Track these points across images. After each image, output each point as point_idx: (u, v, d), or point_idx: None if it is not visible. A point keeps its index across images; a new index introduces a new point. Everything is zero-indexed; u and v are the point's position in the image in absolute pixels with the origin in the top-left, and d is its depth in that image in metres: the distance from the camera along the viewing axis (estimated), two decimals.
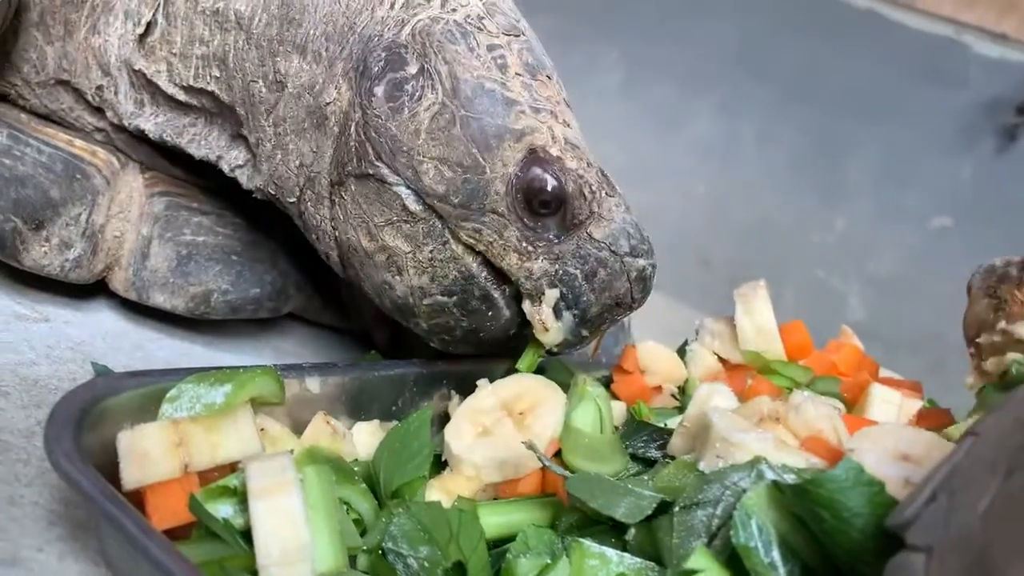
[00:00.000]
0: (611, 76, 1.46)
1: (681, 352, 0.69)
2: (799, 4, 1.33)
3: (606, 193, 0.58)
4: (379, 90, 0.57)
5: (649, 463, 0.54)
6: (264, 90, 0.62)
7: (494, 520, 0.50)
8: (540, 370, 0.62)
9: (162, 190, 0.70)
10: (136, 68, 0.67)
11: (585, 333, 0.59)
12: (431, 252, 0.57)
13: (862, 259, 1.29)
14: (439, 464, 0.55)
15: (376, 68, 0.58)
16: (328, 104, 0.59)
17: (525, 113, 0.56)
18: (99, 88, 0.68)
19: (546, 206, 0.56)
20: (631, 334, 0.86)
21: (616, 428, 0.59)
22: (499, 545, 0.49)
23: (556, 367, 0.64)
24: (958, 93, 1.24)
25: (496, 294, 0.58)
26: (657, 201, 1.36)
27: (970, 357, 0.57)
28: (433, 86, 0.56)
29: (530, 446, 0.51)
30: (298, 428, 0.54)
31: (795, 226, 1.33)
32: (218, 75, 0.65)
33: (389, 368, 0.62)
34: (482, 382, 0.57)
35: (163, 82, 0.67)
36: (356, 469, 0.53)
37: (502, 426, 0.55)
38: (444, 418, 0.60)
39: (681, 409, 0.62)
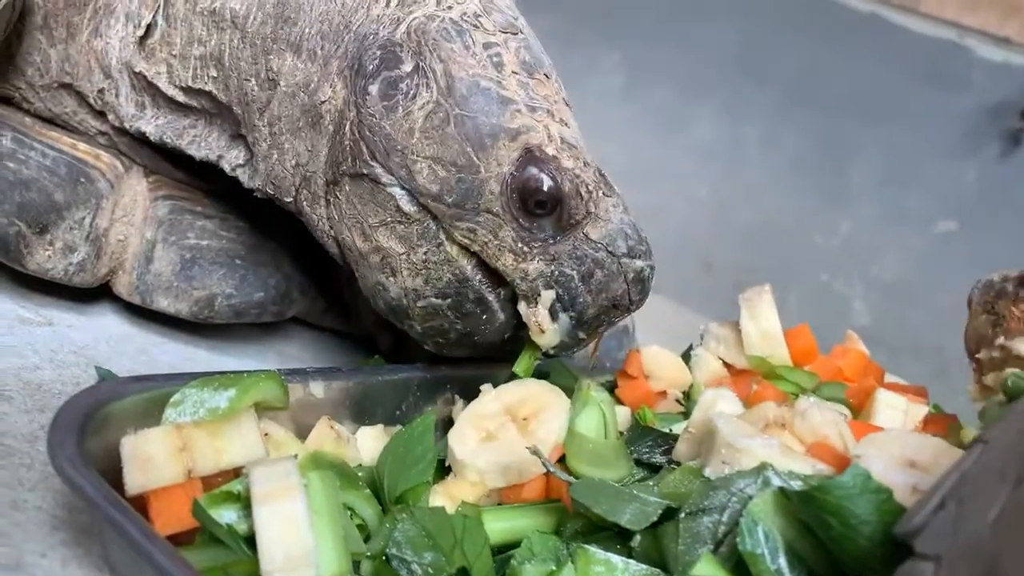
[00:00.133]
0: (612, 78, 1.46)
1: (686, 357, 0.69)
2: (801, 7, 1.33)
3: (603, 193, 0.57)
4: (373, 88, 0.57)
5: (654, 469, 0.54)
6: (256, 88, 0.62)
7: (498, 526, 0.49)
8: (543, 375, 0.62)
9: (166, 194, 0.70)
10: (137, 70, 0.67)
11: (582, 335, 0.58)
12: (425, 254, 0.57)
13: (866, 263, 1.29)
14: (443, 469, 0.55)
15: (371, 66, 0.57)
16: (323, 103, 0.59)
17: (521, 112, 0.56)
18: (101, 91, 0.68)
19: (542, 206, 0.55)
20: (635, 338, 0.85)
21: (621, 433, 0.58)
22: (503, 551, 0.49)
23: (560, 371, 0.64)
24: (961, 97, 1.24)
25: (491, 297, 0.58)
26: (660, 204, 1.36)
27: (972, 372, 0.57)
28: (428, 84, 0.56)
29: (534, 451, 0.50)
30: (302, 433, 0.54)
31: (799, 230, 1.33)
32: (215, 75, 0.65)
33: (393, 372, 0.62)
34: (486, 387, 0.57)
35: (163, 84, 0.67)
36: (360, 474, 0.52)
37: (506, 431, 0.55)
38: (448, 423, 0.60)
39: (686, 414, 0.61)
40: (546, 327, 0.57)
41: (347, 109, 0.58)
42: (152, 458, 0.44)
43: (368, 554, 0.46)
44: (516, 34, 0.59)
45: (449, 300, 0.58)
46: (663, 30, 1.41)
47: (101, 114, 0.70)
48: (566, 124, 0.58)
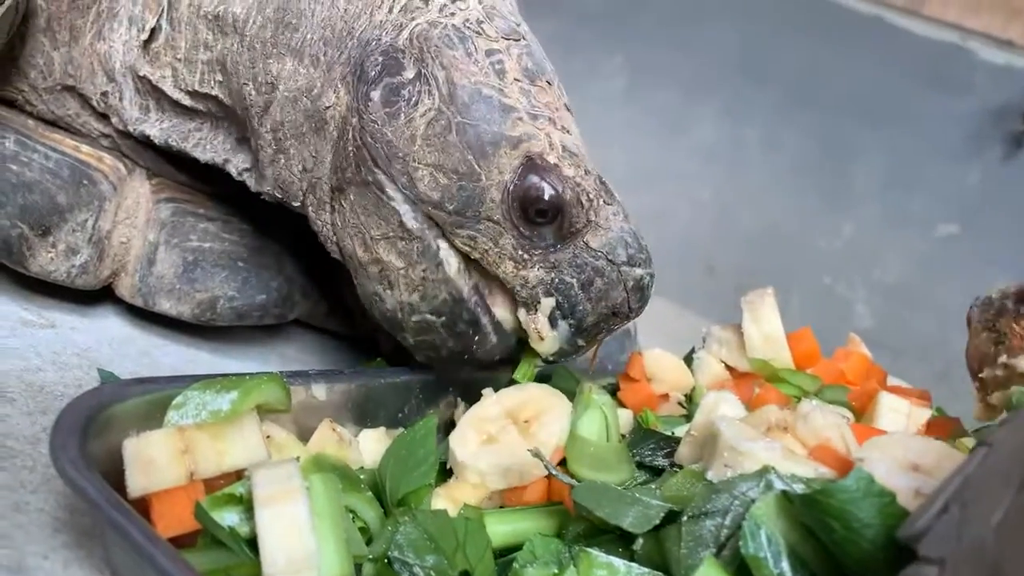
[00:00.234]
0: (614, 82, 1.46)
1: (688, 360, 0.69)
2: (803, 9, 1.33)
3: (604, 201, 0.57)
4: (375, 95, 0.57)
5: (656, 471, 0.54)
6: (253, 92, 0.62)
7: (500, 529, 0.49)
8: (545, 378, 0.62)
9: (168, 196, 0.70)
10: (141, 74, 0.67)
11: (581, 343, 0.59)
12: (424, 271, 0.57)
13: (869, 266, 1.29)
14: (445, 472, 0.55)
15: (373, 72, 0.57)
16: (327, 108, 0.59)
17: (522, 120, 0.56)
18: (104, 94, 0.69)
19: (542, 215, 0.56)
20: (637, 341, 0.85)
21: (623, 436, 0.58)
22: (505, 554, 0.49)
23: (562, 375, 0.64)
24: (964, 99, 1.24)
25: (484, 320, 0.58)
26: (662, 207, 1.36)
27: (975, 391, 0.57)
28: (430, 91, 0.56)
29: (536, 454, 0.50)
30: (304, 435, 0.54)
31: (801, 232, 1.33)
32: (221, 79, 0.65)
33: (395, 375, 0.62)
34: (487, 391, 0.57)
35: (168, 87, 0.67)
36: (362, 477, 0.52)
37: (507, 434, 0.55)
38: (450, 425, 0.59)
39: (688, 417, 0.61)
40: (545, 334, 0.57)
41: (350, 115, 0.58)
42: (154, 460, 0.44)
43: (370, 557, 0.46)
44: (518, 40, 0.59)
45: (443, 318, 0.58)
46: (665, 33, 1.41)
47: (104, 116, 0.70)
48: (567, 131, 0.58)
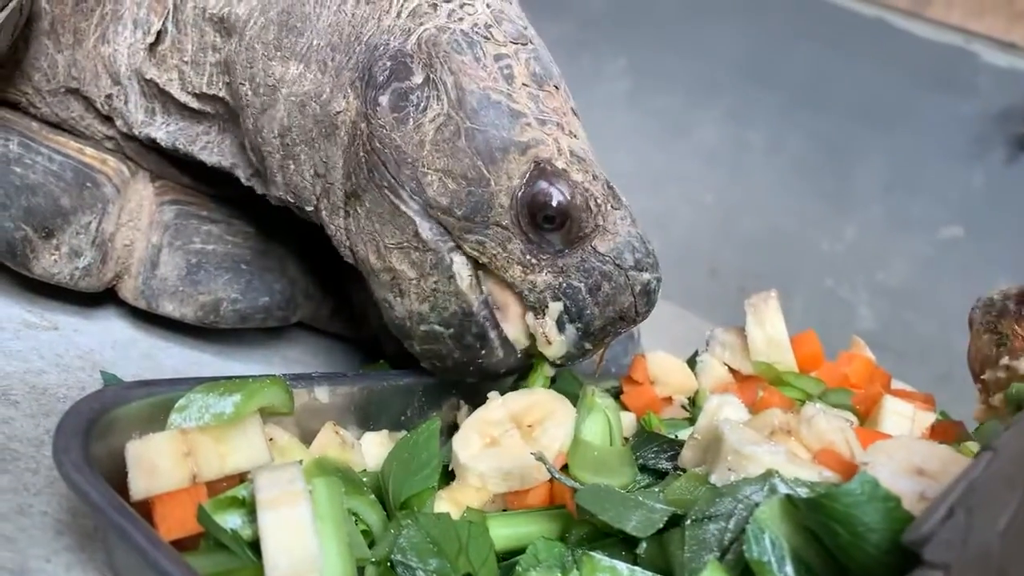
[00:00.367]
0: (618, 84, 1.46)
1: (691, 363, 0.68)
2: (807, 12, 1.33)
3: (611, 206, 0.57)
4: (384, 100, 0.57)
5: (660, 475, 0.54)
6: (250, 92, 0.62)
7: (503, 532, 0.49)
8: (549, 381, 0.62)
9: (172, 198, 0.70)
10: (147, 77, 0.67)
11: (588, 346, 0.59)
12: (435, 283, 0.57)
13: (872, 268, 1.29)
14: (448, 475, 0.54)
15: (381, 77, 0.57)
16: (338, 114, 0.59)
17: (531, 125, 0.56)
18: (108, 96, 0.69)
19: (550, 220, 0.56)
20: (640, 344, 0.85)
21: (626, 439, 0.58)
22: (508, 557, 0.49)
23: (565, 378, 0.64)
24: (967, 102, 1.24)
25: (492, 335, 0.58)
26: (665, 210, 1.36)
27: (977, 393, 0.57)
28: (438, 97, 0.56)
29: (539, 458, 0.50)
30: (307, 438, 0.54)
31: (804, 235, 1.33)
32: (228, 81, 0.65)
33: (398, 378, 0.62)
34: (492, 394, 0.57)
35: (175, 90, 0.67)
36: (365, 480, 0.52)
37: (510, 437, 0.54)
38: (453, 428, 0.59)
39: (691, 420, 0.61)
40: (553, 338, 0.57)
41: (359, 120, 0.58)
42: (157, 463, 0.44)
43: (373, 560, 0.46)
44: (526, 44, 0.59)
45: (452, 330, 0.58)
46: (668, 36, 1.41)
47: (108, 119, 0.70)
48: (575, 136, 0.58)
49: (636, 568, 0.44)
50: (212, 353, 0.72)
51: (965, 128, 1.24)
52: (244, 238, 0.72)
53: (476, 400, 0.59)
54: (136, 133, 0.69)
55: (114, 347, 0.67)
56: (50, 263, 0.65)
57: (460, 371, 0.60)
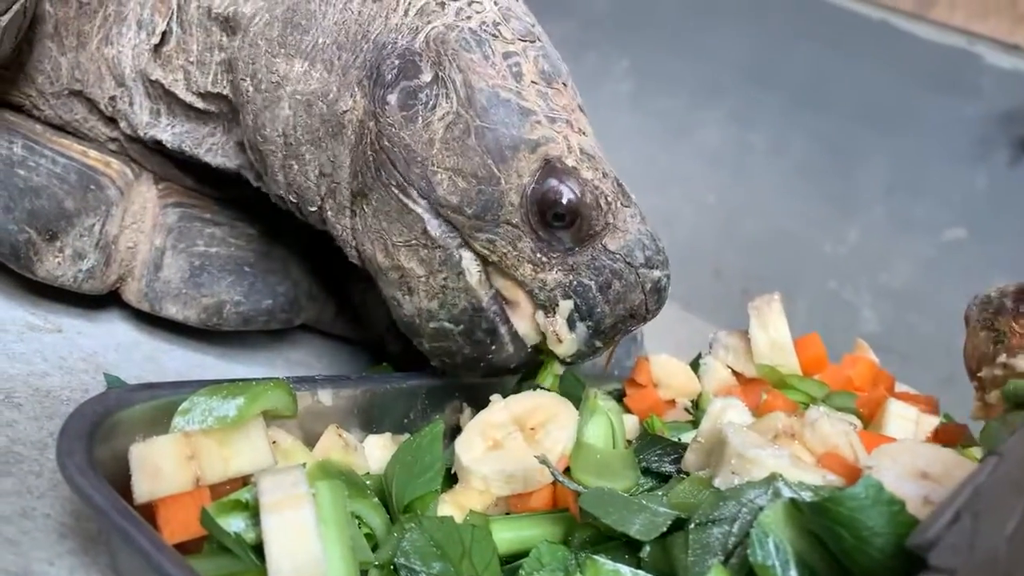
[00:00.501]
0: (621, 86, 1.46)
1: (694, 365, 0.68)
2: (810, 14, 1.33)
3: (621, 203, 0.57)
4: (392, 98, 0.56)
5: (663, 478, 0.54)
6: (251, 89, 0.61)
7: (507, 535, 0.49)
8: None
9: (175, 201, 0.70)
10: (152, 78, 0.67)
11: (598, 344, 0.59)
12: (444, 280, 0.57)
13: (875, 270, 1.28)
14: (451, 478, 0.54)
15: (389, 76, 0.57)
16: (345, 113, 0.59)
17: (540, 123, 0.56)
18: (112, 99, 0.69)
19: (561, 218, 0.56)
20: (643, 346, 0.85)
21: (629, 442, 0.58)
22: (511, 561, 0.49)
23: (568, 380, 0.64)
24: (971, 104, 1.24)
25: (503, 330, 0.58)
26: (668, 211, 1.35)
27: (974, 390, 0.57)
28: (447, 95, 0.56)
29: (543, 460, 0.50)
30: (310, 440, 0.54)
31: (807, 237, 1.33)
32: (232, 79, 0.65)
33: (401, 380, 0.62)
34: (495, 397, 0.57)
35: (180, 91, 0.66)
36: (368, 483, 0.52)
37: (512, 440, 0.54)
38: (456, 431, 0.59)
39: (695, 423, 0.61)
40: (564, 337, 0.57)
41: (367, 119, 0.57)
42: (160, 466, 0.44)
43: (376, 563, 0.46)
44: (534, 42, 0.59)
45: (462, 327, 0.58)
46: (672, 37, 1.41)
47: (112, 121, 0.70)
48: (584, 133, 0.58)
49: (639, 572, 0.44)
50: (215, 356, 0.72)
51: (968, 130, 1.24)
52: (247, 240, 0.72)
53: (479, 403, 0.59)
54: (141, 135, 0.69)
55: (117, 349, 0.67)
56: (54, 265, 0.65)
57: (469, 368, 0.60)
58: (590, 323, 0.57)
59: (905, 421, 0.57)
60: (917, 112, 1.26)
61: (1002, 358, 0.54)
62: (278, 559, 0.41)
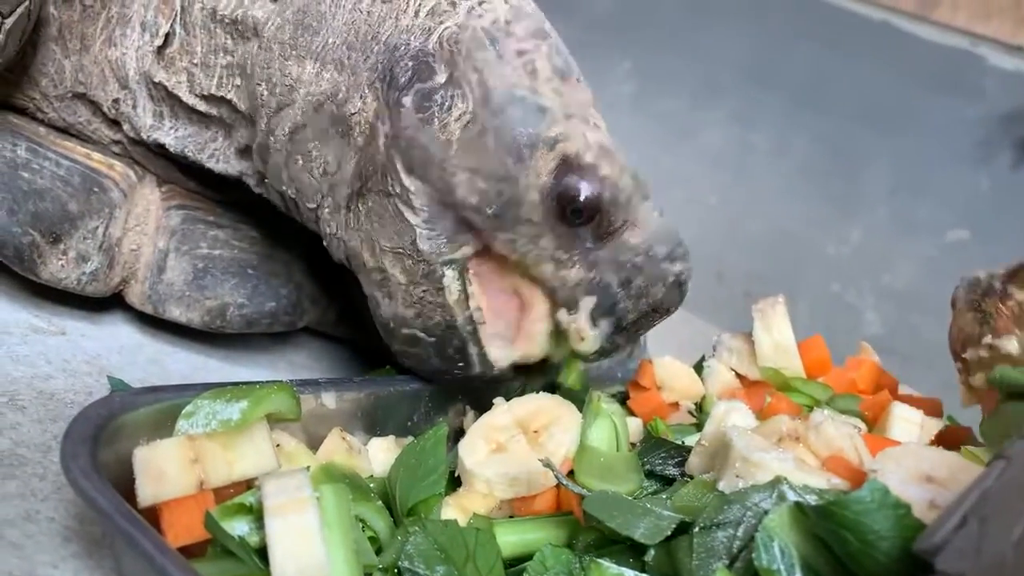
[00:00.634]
0: (623, 87, 1.45)
1: (698, 368, 0.68)
2: (812, 15, 1.33)
3: (640, 198, 0.57)
4: (407, 100, 0.56)
5: (667, 481, 0.54)
6: (266, 92, 0.61)
7: (511, 539, 0.49)
8: (555, 387, 0.62)
9: (179, 203, 0.70)
10: (156, 80, 0.67)
11: (620, 341, 0.59)
12: (423, 292, 0.57)
13: (878, 272, 1.28)
14: (455, 481, 0.54)
15: (403, 78, 0.56)
16: (353, 115, 0.58)
17: (557, 120, 0.55)
18: (116, 101, 0.69)
19: (580, 215, 0.55)
20: (647, 349, 0.85)
21: (633, 445, 0.58)
22: (515, 564, 0.49)
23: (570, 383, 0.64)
24: (974, 105, 1.24)
25: (472, 351, 0.58)
26: (669, 213, 1.35)
27: (958, 372, 0.56)
28: (463, 96, 0.55)
29: (547, 464, 0.50)
30: (313, 443, 0.54)
31: (810, 238, 1.33)
32: (239, 83, 0.64)
33: (405, 383, 0.62)
34: (498, 400, 0.57)
35: (183, 93, 0.66)
36: (372, 486, 0.52)
37: (516, 443, 0.54)
38: (460, 434, 0.59)
39: (699, 426, 0.61)
40: (586, 334, 0.57)
41: (378, 122, 0.57)
42: (164, 470, 0.44)
43: (380, 567, 0.46)
44: (546, 39, 0.58)
45: (434, 339, 0.58)
46: (673, 39, 1.41)
47: (115, 123, 0.70)
48: (599, 128, 0.58)
49: (644, 575, 0.44)
50: (218, 358, 0.72)
51: (971, 131, 1.24)
52: (250, 243, 0.72)
53: (482, 406, 0.59)
54: (144, 137, 0.68)
55: (121, 352, 0.67)
56: (57, 268, 0.65)
57: (437, 377, 0.61)
58: (612, 319, 0.57)
59: (909, 424, 0.57)
60: (920, 113, 1.26)
61: (987, 339, 0.54)
62: (282, 563, 0.41)
